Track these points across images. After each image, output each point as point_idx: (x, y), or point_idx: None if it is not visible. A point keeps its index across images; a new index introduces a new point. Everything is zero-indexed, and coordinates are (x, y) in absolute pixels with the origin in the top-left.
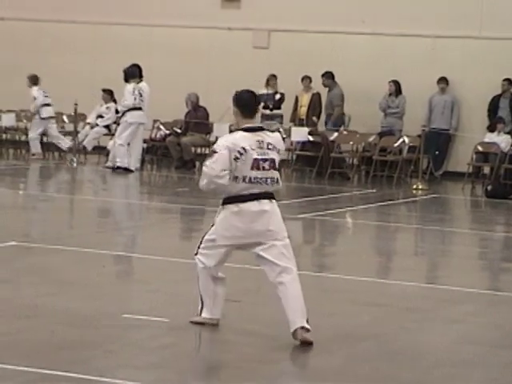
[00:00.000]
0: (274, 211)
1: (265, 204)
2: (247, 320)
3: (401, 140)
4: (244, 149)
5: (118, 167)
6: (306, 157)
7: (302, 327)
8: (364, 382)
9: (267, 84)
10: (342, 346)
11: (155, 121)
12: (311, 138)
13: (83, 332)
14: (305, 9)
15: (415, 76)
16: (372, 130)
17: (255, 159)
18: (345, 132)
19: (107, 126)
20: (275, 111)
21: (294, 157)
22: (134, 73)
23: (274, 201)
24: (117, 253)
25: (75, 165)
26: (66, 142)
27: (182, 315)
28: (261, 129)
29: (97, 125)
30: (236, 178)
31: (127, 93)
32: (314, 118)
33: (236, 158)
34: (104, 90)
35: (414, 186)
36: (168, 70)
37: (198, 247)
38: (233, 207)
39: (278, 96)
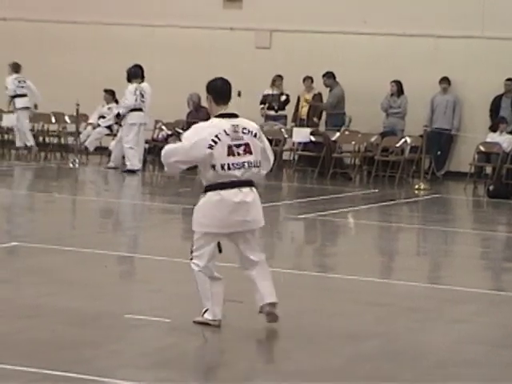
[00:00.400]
0: (254, 201)
1: (246, 194)
2: (249, 320)
3: (403, 140)
4: (217, 137)
5: (129, 170)
6: (308, 157)
7: (270, 303)
8: (366, 381)
9: (273, 84)
10: (344, 346)
11: (157, 121)
12: (313, 139)
13: (85, 332)
14: (307, 9)
15: (417, 76)
16: (374, 130)
17: (229, 146)
18: (346, 132)
19: (109, 127)
20: (280, 112)
21: (296, 157)
22: (136, 73)
23: (254, 189)
24: (119, 253)
25: (77, 165)
26: (28, 140)
27: (184, 315)
28: (235, 115)
29: (98, 125)
30: (214, 166)
31: (128, 93)
32: (315, 119)
33: (210, 147)
34: (106, 91)
35: (416, 186)
36: (169, 71)
37: (191, 252)
38: (214, 195)
39: (283, 97)
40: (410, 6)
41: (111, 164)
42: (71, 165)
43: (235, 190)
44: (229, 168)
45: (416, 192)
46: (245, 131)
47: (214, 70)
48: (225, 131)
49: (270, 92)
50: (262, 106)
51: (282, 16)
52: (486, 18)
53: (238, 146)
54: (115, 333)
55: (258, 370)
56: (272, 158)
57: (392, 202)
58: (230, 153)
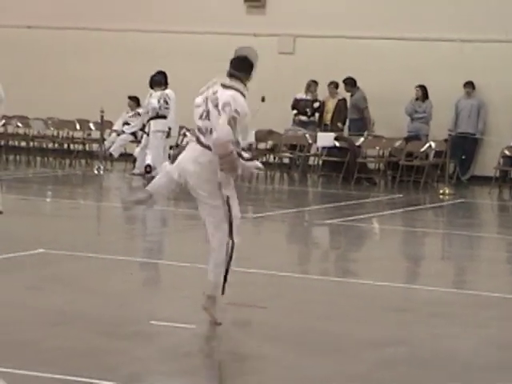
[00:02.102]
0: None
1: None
2: (273, 326)
3: (427, 145)
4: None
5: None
6: (333, 162)
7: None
8: None
9: (307, 90)
10: (369, 352)
11: (181, 127)
12: (337, 144)
13: (110, 339)
14: (330, 14)
15: (441, 80)
16: (398, 135)
17: (203, 110)
18: (370, 137)
19: (133, 133)
20: (311, 118)
21: (321, 162)
22: (160, 80)
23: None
24: (144, 259)
25: (102, 172)
26: None
27: (209, 321)
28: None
29: (123, 132)
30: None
31: (153, 99)
32: (339, 124)
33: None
34: (130, 97)
35: (441, 191)
36: (193, 77)
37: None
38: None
39: (317, 104)
40: (434, 11)
41: (136, 170)
42: (96, 171)
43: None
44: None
45: (441, 197)
46: (219, 96)
47: None
48: (206, 94)
49: (304, 97)
50: (295, 111)
51: (305, 21)
52: (510, 22)
53: (207, 111)
54: (140, 339)
55: (284, 376)
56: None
57: (417, 207)
58: (200, 115)
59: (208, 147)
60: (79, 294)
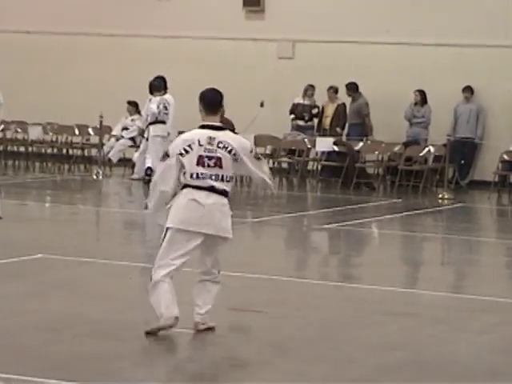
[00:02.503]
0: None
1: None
2: (273, 331)
3: (426, 149)
4: (190, 146)
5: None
6: (332, 167)
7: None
8: None
9: (305, 94)
10: (369, 356)
11: (180, 132)
12: (336, 148)
13: (110, 344)
14: (329, 19)
15: (440, 85)
16: (397, 140)
17: (200, 156)
18: (369, 142)
19: (132, 138)
20: (308, 123)
21: (320, 167)
22: (159, 85)
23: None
24: (143, 264)
25: (101, 177)
26: None
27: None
28: (220, 128)
29: (122, 137)
30: (184, 173)
31: (152, 104)
32: (338, 129)
33: (181, 154)
34: (129, 102)
35: (440, 196)
36: (192, 82)
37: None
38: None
39: (315, 110)
40: (432, 16)
41: (135, 175)
42: (95, 176)
43: (201, 193)
44: (197, 177)
45: (440, 201)
46: (220, 145)
47: (236, 81)
48: (199, 141)
49: (301, 101)
50: (293, 116)
51: (304, 26)
52: (509, 27)
53: (210, 158)
54: (141, 344)
55: (284, 381)
56: (263, 175)
57: (416, 212)
58: (200, 163)
59: (223, 192)
60: (79, 299)
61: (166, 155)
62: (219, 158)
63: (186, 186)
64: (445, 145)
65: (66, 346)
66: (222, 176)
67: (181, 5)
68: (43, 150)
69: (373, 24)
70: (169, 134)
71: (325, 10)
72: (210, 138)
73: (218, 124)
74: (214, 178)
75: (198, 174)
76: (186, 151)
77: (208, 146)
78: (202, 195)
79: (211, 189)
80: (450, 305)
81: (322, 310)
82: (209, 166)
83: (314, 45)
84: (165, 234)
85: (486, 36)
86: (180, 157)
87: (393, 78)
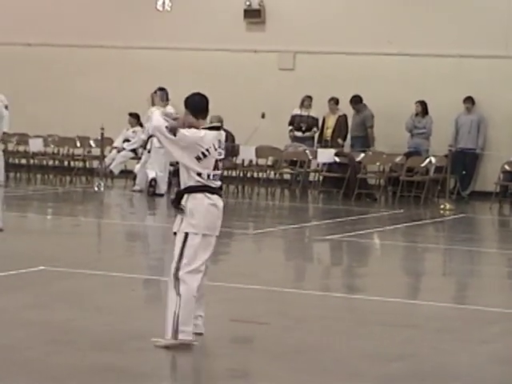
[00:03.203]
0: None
1: (220, 199)
2: (274, 342)
3: (427, 160)
4: (208, 150)
5: (155, 194)
6: (333, 178)
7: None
8: None
9: (302, 105)
10: (373, 367)
11: None
12: (337, 160)
13: (113, 355)
14: (330, 30)
15: (441, 96)
16: (398, 151)
17: (216, 160)
18: (371, 153)
19: (134, 150)
20: (306, 134)
21: (321, 178)
22: (161, 96)
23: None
24: (145, 276)
25: (102, 189)
26: None
27: (211, 338)
28: (218, 128)
29: (123, 149)
30: (199, 174)
31: (154, 116)
32: (340, 140)
33: (198, 158)
34: (130, 114)
35: (442, 206)
36: None
37: (178, 267)
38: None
39: (315, 129)
40: (433, 27)
41: (136, 187)
42: (96, 188)
43: (217, 196)
44: (213, 178)
45: (441, 212)
46: (222, 146)
47: (237, 92)
48: (214, 145)
49: (299, 112)
50: (291, 127)
51: (305, 37)
52: (509, 37)
53: (221, 160)
54: (144, 356)
55: None
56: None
57: (417, 223)
58: (216, 166)
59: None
60: (81, 311)
61: (175, 134)
62: (222, 159)
63: (199, 188)
64: (446, 155)
65: (68, 358)
66: (221, 175)
67: (182, 17)
68: (45, 162)
69: (374, 35)
70: None
71: (325, 21)
72: (219, 141)
73: (218, 124)
74: (219, 178)
75: (214, 175)
76: (204, 155)
77: (219, 150)
78: (215, 198)
79: (220, 189)
80: (452, 315)
81: (324, 321)
82: (218, 168)
83: (314, 56)
84: (185, 239)
85: (486, 47)
86: (194, 160)
87: (394, 89)
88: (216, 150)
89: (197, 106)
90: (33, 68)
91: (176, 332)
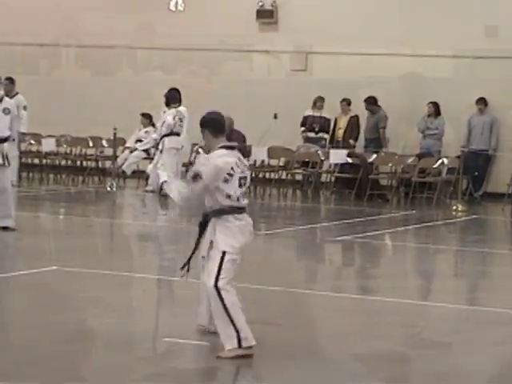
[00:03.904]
0: None
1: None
2: (287, 343)
3: (440, 161)
4: (233, 169)
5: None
6: (345, 179)
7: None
8: None
9: (314, 106)
10: (385, 368)
11: (194, 144)
12: (350, 160)
13: (124, 356)
14: (343, 31)
15: (454, 97)
16: (410, 152)
17: (240, 177)
18: (383, 154)
19: (146, 150)
20: (319, 134)
21: (333, 179)
22: (174, 97)
23: None
24: (157, 276)
25: (115, 189)
26: None
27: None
28: (234, 147)
29: (136, 149)
30: (229, 196)
31: (168, 117)
32: (351, 141)
33: (226, 181)
34: (143, 114)
35: (454, 208)
36: (206, 94)
37: (217, 278)
38: (234, 219)
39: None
40: (447, 27)
41: (149, 187)
42: (109, 188)
43: (245, 215)
44: (242, 199)
45: (454, 213)
46: (244, 165)
47: (250, 93)
48: (236, 164)
49: (311, 113)
50: (303, 128)
51: (317, 38)
52: None
53: (245, 178)
54: (155, 356)
55: None
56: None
57: (429, 224)
58: (241, 184)
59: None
60: (93, 311)
61: (199, 177)
62: (246, 177)
63: (229, 209)
64: (458, 156)
65: (80, 358)
66: (245, 193)
67: (194, 17)
68: (57, 162)
69: (386, 36)
70: (182, 146)
71: (338, 22)
72: (239, 158)
73: (234, 144)
74: (245, 195)
75: (240, 195)
76: (231, 175)
77: (242, 167)
78: (244, 217)
79: (246, 207)
80: (465, 317)
81: (336, 322)
82: (242, 185)
83: (326, 57)
84: (223, 257)
85: (499, 48)
86: (222, 183)
87: (406, 90)
88: (238, 167)
89: (216, 125)
90: (45, 68)
91: (239, 341)
